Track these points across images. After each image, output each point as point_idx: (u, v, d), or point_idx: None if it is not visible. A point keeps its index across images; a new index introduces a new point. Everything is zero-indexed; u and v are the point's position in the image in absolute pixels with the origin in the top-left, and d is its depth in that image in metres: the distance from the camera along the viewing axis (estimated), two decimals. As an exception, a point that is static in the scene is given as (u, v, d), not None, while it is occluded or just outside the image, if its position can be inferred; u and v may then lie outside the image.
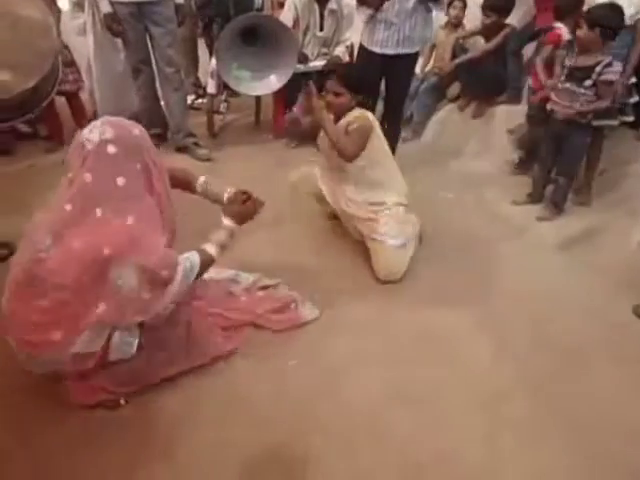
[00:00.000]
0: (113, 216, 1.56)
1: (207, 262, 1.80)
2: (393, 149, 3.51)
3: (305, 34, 3.83)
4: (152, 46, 3.49)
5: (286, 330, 2.15)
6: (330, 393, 1.89)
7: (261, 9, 3.93)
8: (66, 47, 3.44)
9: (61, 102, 3.67)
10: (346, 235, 2.74)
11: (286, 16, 3.68)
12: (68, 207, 1.55)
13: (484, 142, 4.01)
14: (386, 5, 2.88)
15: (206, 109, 4.13)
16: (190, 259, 1.73)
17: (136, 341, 1.71)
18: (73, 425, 1.72)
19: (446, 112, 4.30)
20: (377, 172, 2.56)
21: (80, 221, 1.54)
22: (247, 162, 3.64)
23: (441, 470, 1.64)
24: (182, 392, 1.86)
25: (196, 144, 3.78)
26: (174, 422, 1.77)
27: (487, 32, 3.90)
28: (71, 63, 3.50)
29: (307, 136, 4.01)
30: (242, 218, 1.94)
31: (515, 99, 4.06)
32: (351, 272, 2.57)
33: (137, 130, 1.65)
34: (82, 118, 3.79)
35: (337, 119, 2.55)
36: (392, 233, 2.47)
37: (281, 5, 4.49)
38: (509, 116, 3.93)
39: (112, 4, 3.29)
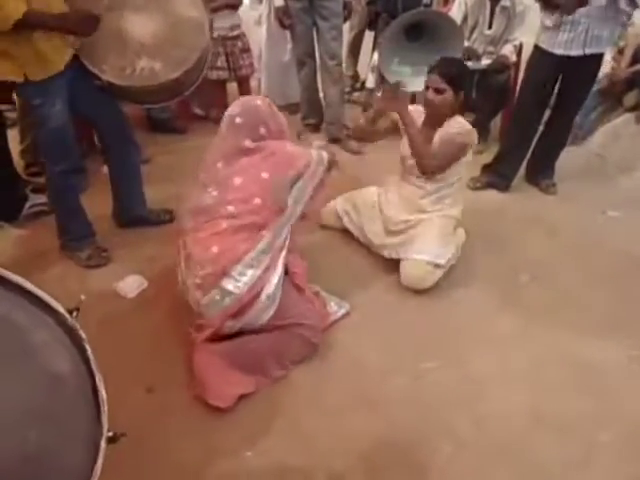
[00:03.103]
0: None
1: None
2: (554, 158, 3.30)
3: (472, 32, 3.69)
4: (317, 39, 3.60)
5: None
6: (467, 403, 1.83)
7: (429, 5, 3.85)
8: (244, 35, 3.69)
9: (232, 88, 3.93)
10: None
11: (455, 13, 3.58)
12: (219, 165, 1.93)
13: (663, 159, 3.59)
14: None
15: (362, 103, 4.18)
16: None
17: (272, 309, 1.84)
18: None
19: (621, 122, 3.91)
20: (452, 190, 2.44)
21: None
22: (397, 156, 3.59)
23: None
24: (311, 374, 1.91)
25: (349, 136, 3.84)
26: (300, 404, 1.81)
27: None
28: (247, 49, 3.78)
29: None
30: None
31: None
32: (509, 284, 2.46)
33: (259, 101, 2.01)
34: (248, 103, 4.02)
35: (438, 123, 2.41)
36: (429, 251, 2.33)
37: (445, 1, 4.38)
38: (697, 132, 3.49)
39: (286, -2, 3.45)
